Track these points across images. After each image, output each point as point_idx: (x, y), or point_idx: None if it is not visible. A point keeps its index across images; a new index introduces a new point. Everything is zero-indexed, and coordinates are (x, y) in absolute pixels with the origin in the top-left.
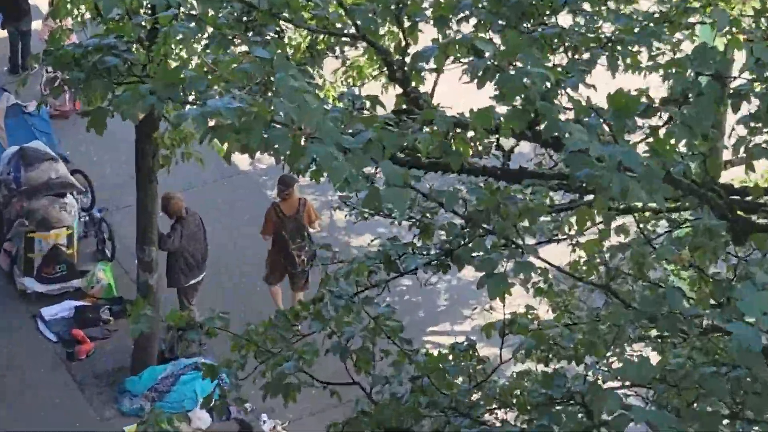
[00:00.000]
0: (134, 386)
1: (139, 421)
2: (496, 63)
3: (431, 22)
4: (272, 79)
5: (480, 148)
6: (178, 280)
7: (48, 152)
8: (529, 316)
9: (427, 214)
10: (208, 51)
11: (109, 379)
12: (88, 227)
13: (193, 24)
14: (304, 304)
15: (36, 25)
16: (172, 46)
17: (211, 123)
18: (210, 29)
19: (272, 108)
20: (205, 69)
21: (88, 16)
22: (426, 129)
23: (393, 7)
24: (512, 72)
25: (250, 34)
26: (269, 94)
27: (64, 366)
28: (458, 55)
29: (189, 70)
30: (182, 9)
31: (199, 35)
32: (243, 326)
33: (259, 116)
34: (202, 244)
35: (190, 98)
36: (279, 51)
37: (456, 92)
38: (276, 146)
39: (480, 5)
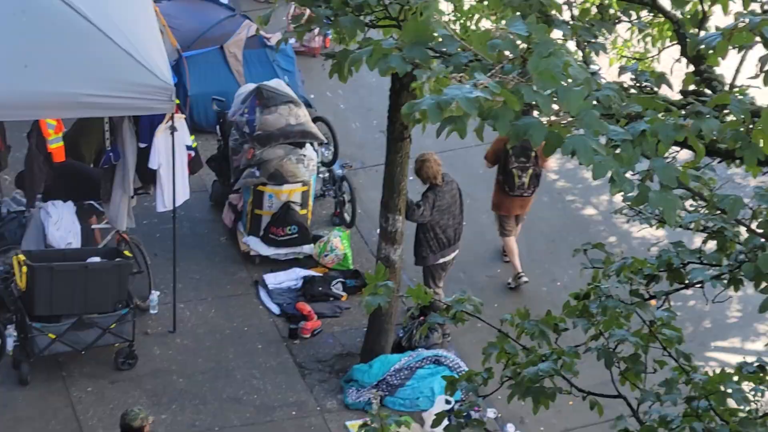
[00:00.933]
0: (363, 376)
1: (365, 418)
2: None
3: None
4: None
5: None
6: (426, 257)
7: (289, 94)
8: None
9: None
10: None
11: (334, 364)
12: (327, 186)
13: None
14: (570, 307)
15: None
16: None
17: None
18: None
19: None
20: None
21: None
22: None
23: None
24: None
25: None
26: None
27: (284, 344)
28: (746, 42)
29: (441, 25)
30: None
31: None
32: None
33: (507, 106)
34: (456, 218)
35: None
36: (540, 24)
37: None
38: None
39: None
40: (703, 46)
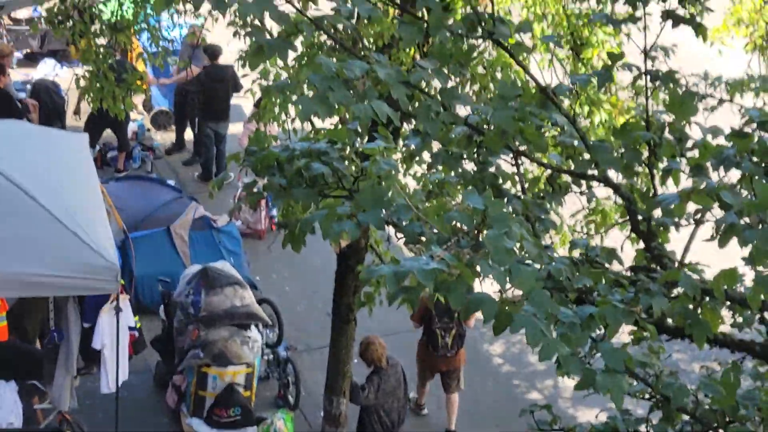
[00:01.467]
0: None
1: None
2: (745, 219)
3: (686, 169)
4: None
5: (739, 318)
6: None
7: (234, 275)
8: None
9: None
10: (432, 171)
11: None
12: (271, 367)
13: (416, 138)
14: None
15: (236, 128)
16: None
17: None
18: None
19: (478, 270)
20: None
21: (298, 124)
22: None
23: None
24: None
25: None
26: (481, 238)
27: None
28: (702, 205)
29: (398, 194)
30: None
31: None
32: None
33: (461, 279)
34: (401, 402)
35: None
36: (495, 199)
37: (716, 255)
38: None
39: (746, 155)
40: (653, 223)
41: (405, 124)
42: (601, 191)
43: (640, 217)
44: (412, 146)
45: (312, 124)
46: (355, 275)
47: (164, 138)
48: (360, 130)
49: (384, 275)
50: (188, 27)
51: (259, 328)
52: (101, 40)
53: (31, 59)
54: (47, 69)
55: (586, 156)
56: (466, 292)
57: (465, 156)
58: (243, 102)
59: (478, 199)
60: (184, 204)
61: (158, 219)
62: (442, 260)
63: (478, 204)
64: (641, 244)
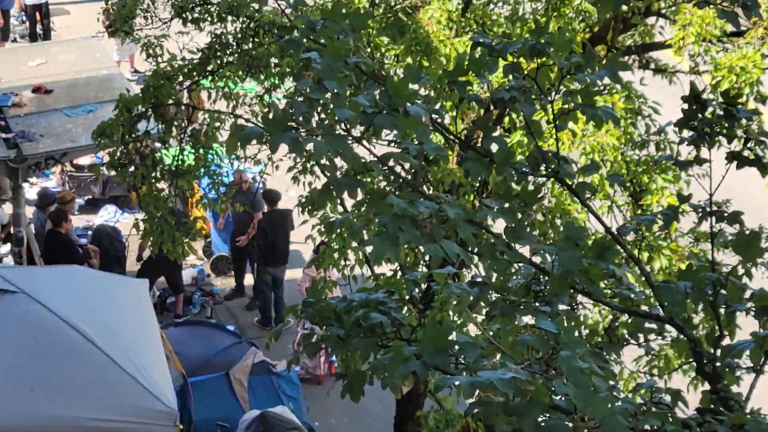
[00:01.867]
0: None
1: None
2: None
3: (752, 313)
4: (557, 356)
5: None
6: None
7: (293, 421)
8: None
9: None
10: (490, 321)
11: None
12: None
13: (474, 288)
14: None
15: (294, 274)
16: (450, 312)
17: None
18: (493, 295)
19: (553, 390)
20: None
21: (357, 270)
22: None
23: (709, 291)
24: None
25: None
26: (552, 371)
27: None
28: None
29: (462, 334)
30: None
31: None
32: None
33: (536, 398)
34: None
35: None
36: (569, 325)
37: None
38: None
39: None
40: (719, 364)
41: (464, 271)
42: (659, 342)
43: (705, 359)
44: (471, 297)
45: (371, 269)
46: (415, 421)
47: (224, 283)
48: (418, 280)
49: (461, 386)
50: (237, 172)
51: None
52: (162, 185)
53: (92, 205)
54: (108, 215)
55: (644, 307)
56: (538, 415)
57: (523, 305)
58: (302, 248)
59: (551, 324)
60: (243, 349)
61: (217, 364)
62: (519, 374)
63: (550, 328)
64: (706, 386)
